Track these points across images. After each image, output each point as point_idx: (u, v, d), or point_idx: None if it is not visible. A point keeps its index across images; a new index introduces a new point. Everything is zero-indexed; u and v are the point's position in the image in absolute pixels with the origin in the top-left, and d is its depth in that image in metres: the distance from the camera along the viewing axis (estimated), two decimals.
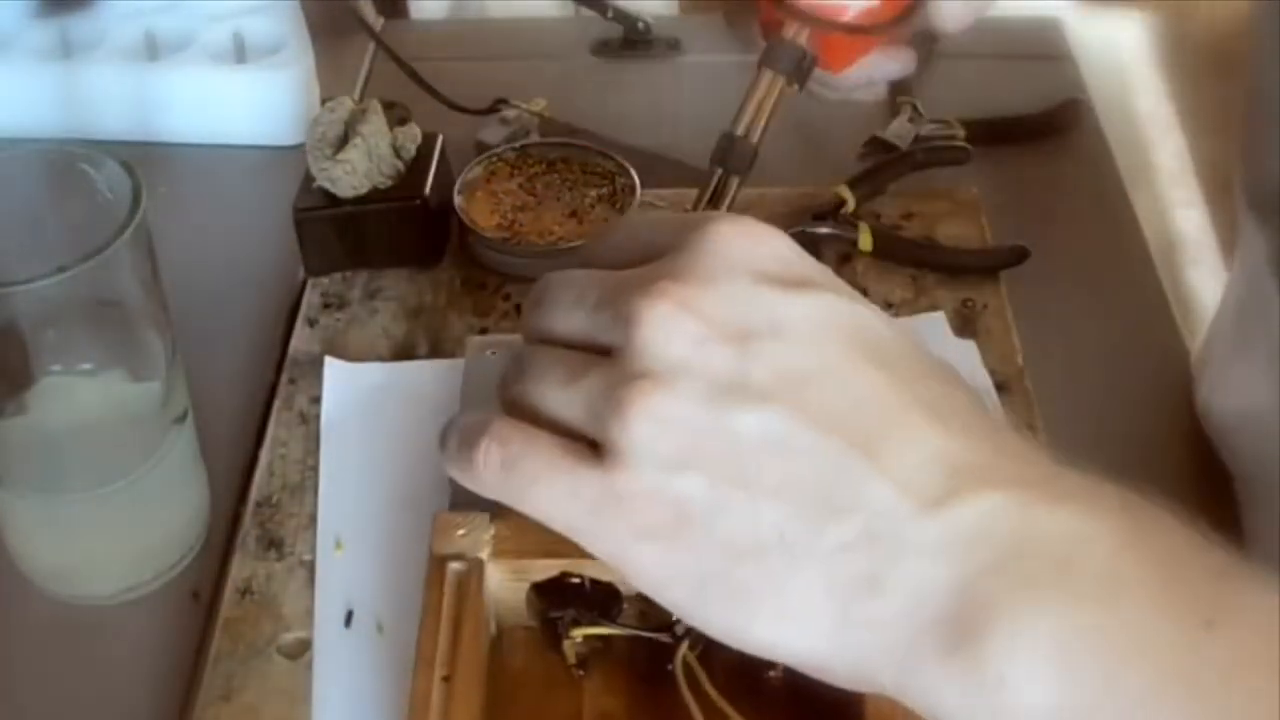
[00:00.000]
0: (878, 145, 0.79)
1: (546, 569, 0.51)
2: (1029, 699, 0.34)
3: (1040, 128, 0.81)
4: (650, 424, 0.36)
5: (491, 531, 0.51)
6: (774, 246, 0.39)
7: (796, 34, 0.56)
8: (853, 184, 0.73)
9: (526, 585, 0.51)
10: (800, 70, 0.57)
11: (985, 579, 0.34)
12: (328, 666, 0.54)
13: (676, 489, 0.36)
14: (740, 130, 0.57)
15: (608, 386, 0.37)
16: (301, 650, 0.54)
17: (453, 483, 0.54)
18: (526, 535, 0.51)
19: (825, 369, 0.37)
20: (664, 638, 0.50)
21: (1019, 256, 0.70)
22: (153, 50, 0.84)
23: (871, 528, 0.35)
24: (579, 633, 0.50)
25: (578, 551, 0.50)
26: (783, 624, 0.36)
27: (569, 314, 0.40)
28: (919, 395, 0.37)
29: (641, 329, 0.37)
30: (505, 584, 0.51)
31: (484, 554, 0.51)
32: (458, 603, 0.50)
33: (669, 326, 0.37)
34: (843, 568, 0.35)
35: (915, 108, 0.81)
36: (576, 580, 0.51)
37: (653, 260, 0.39)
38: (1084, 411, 0.64)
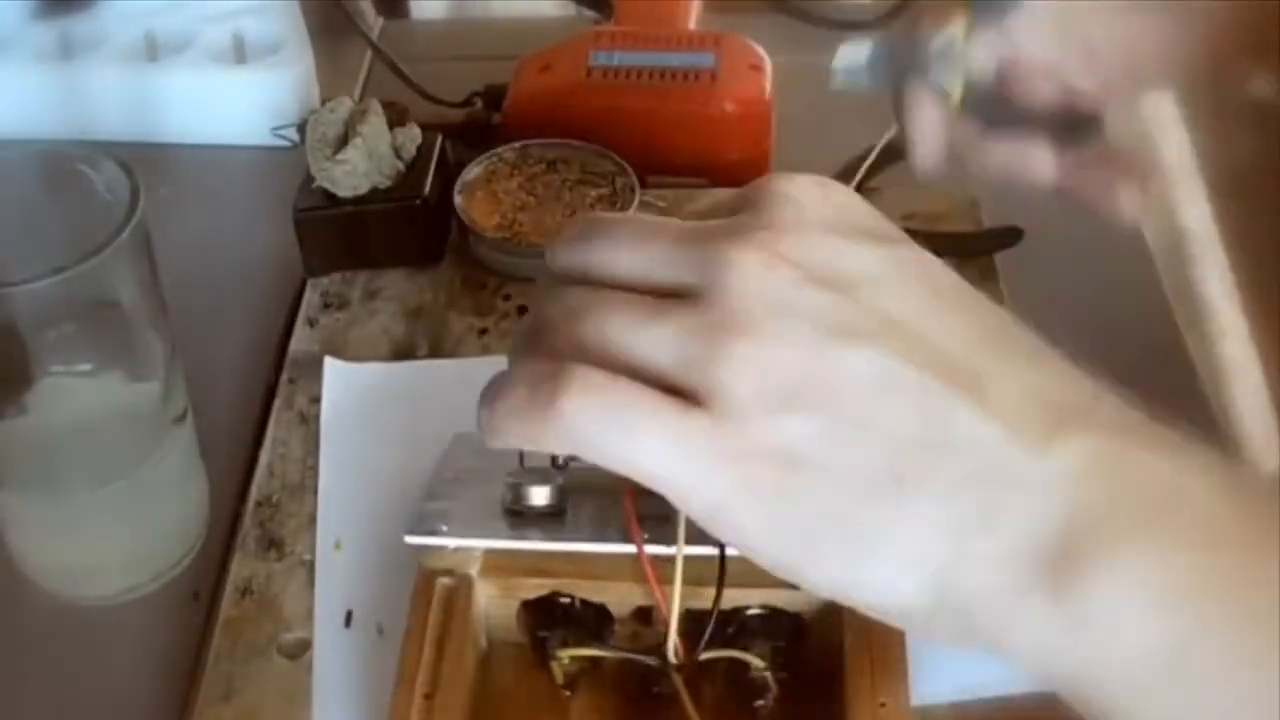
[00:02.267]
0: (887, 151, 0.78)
1: (537, 588, 0.51)
2: (1127, 637, 0.34)
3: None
4: (757, 368, 0.35)
5: (482, 548, 0.51)
6: (847, 200, 0.39)
7: None
8: (841, 176, 0.73)
9: (517, 602, 0.51)
10: None
11: (1092, 517, 0.35)
12: (328, 666, 0.54)
13: (788, 433, 0.35)
14: None
15: (701, 330, 0.35)
16: (301, 650, 0.54)
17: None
18: (518, 554, 0.51)
19: (919, 313, 0.36)
20: (653, 661, 0.49)
21: (1014, 236, 0.71)
22: (153, 50, 0.84)
23: (983, 465, 0.35)
24: (567, 653, 0.50)
25: (568, 571, 0.51)
26: (895, 567, 0.35)
27: (632, 252, 0.38)
28: (1007, 337, 0.37)
29: (735, 271, 0.36)
30: (496, 600, 0.51)
31: (474, 570, 0.51)
32: (444, 618, 0.49)
33: (764, 270, 0.36)
34: (957, 505, 0.35)
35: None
36: (566, 600, 0.50)
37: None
38: None
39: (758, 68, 0.77)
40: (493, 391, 0.37)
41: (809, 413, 0.35)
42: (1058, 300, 0.69)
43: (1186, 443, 0.37)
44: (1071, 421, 0.36)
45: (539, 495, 0.51)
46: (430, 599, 0.50)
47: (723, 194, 0.40)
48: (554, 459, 0.53)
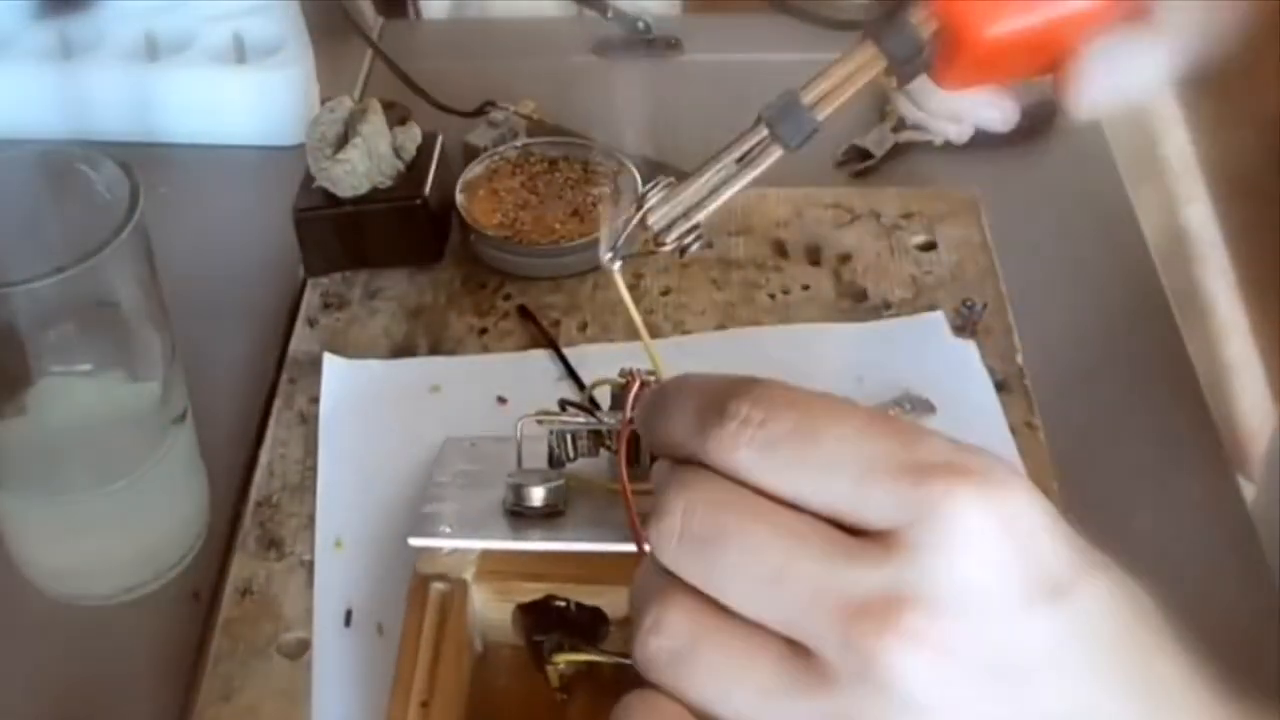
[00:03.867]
0: (854, 153, 0.79)
1: (532, 591, 0.51)
2: None
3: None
4: None
5: (478, 552, 0.51)
6: (1031, 536, 0.32)
7: (924, 22, 0.43)
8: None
9: (512, 606, 0.51)
10: (909, 63, 0.44)
11: None
12: (328, 666, 0.53)
13: None
14: (809, 98, 0.44)
15: None
16: (301, 650, 0.54)
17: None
18: (513, 557, 0.51)
19: (1071, 711, 0.33)
20: None
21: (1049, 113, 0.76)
22: (153, 50, 0.84)
23: None
24: (563, 657, 0.50)
25: (563, 575, 0.50)
26: None
27: (753, 585, 0.32)
28: (1160, 693, 0.34)
29: (886, 680, 0.31)
30: (491, 604, 0.51)
31: (468, 575, 0.51)
32: (439, 624, 0.49)
33: (924, 671, 0.31)
34: None
35: (901, 119, 0.80)
36: (562, 604, 0.50)
37: (857, 509, 0.32)
38: (1084, 412, 0.64)
39: None
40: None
41: None
42: (1059, 300, 0.70)
43: None
44: None
45: (539, 496, 0.51)
46: (425, 604, 0.50)
47: (884, 473, 0.33)
48: (551, 458, 0.53)
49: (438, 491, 0.54)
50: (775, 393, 0.34)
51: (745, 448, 0.33)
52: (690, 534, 0.33)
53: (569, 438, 0.53)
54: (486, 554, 0.51)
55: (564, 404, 0.55)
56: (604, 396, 0.55)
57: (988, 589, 0.32)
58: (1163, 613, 0.34)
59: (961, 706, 0.32)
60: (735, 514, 0.33)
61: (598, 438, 0.53)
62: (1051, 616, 0.32)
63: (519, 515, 0.51)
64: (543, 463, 0.53)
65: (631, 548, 0.48)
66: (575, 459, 0.53)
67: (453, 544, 0.51)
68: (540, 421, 0.53)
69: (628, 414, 0.52)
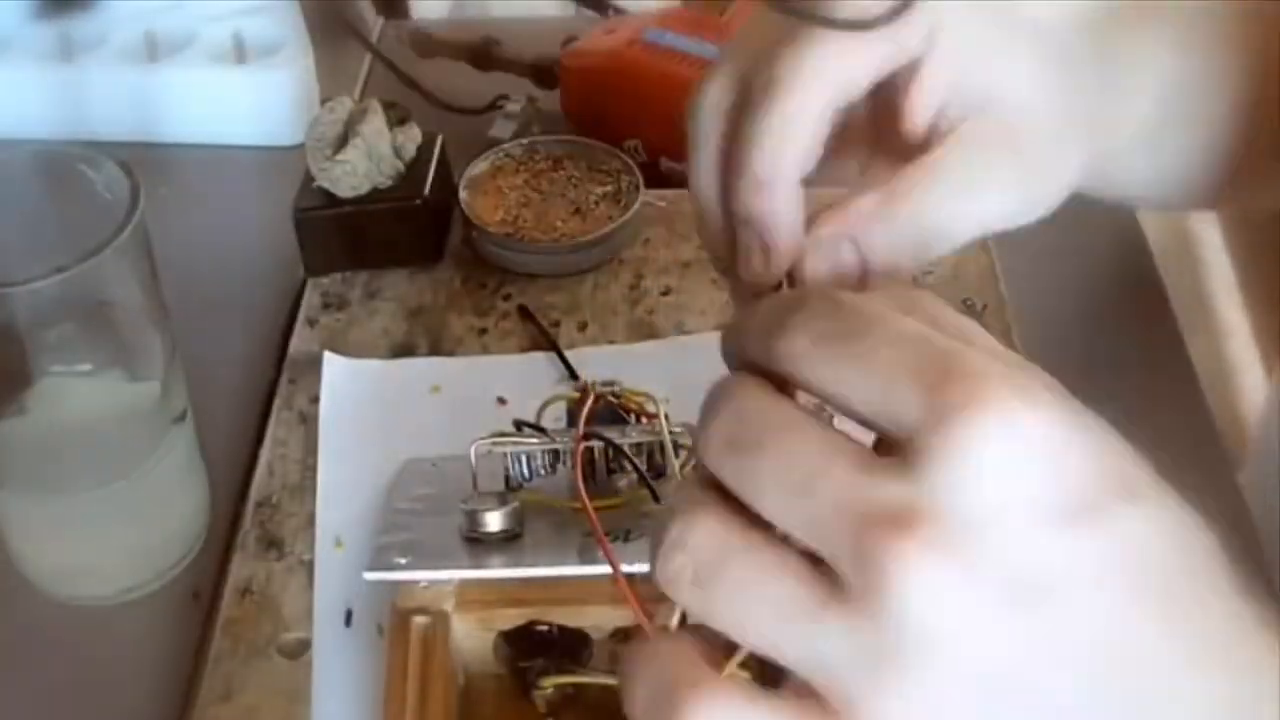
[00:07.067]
0: None
1: (514, 618, 0.50)
2: None
3: None
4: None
5: (456, 582, 0.50)
6: (1060, 455, 0.31)
7: None
8: None
9: (494, 634, 0.50)
10: None
11: None
12: (328, 666, 0.54)
13: None
14: None
15: (863, 654, 0.31)
16: (301, 650, 0.54)
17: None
18: (492, 585, 0.50)
19: (1107, 638, 0.31)
20: None
21: None
22: (153, 50, 0.84)
23: None
24: (549, 682, 0.49)
25: (544, 599, 0.50)
26: None
27: (779, 494, 0.32)
28: (1202, 645, 0.33)
29: (897, 594, 0.30)
30: (472, 634, 0.50)
31: (449, 606, 0.50)
32: (423, 660, 0.49)
33: (941, 593, 0.30)
34: None
35: None
36: (545, 628, 0.50)
37: (886, 409, 0.32)
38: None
39: None
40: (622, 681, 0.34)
41: None
42: (1059, 300, 0.70)
43: None
44: None
45: (495, 520, 0.50)
46: (407, 640, 0.49)
47: (908, 374, 0.32)
48: (507, 481, 0.52)
49: (396, 519, 0.53)
50: (843, 296, 0.34)
51: (802, 336, 0.33)
52: (736, 439, 0.33)
53: (524, 458, 0.52)
54: (465, 583, 0.50)
55: (519, 424, 0.55)
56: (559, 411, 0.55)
57: (1006, 504, 0.30)
58: (1230, 554, 0.33)
59: (975, 629, 0.30)
60: (778, 423, 0.33)
61: (555, 455, 0.52)
62: (1078, 538, 0.31)
63: (477, 541, 0.51)
64: (500, 483, 0.52)
65: (589, 570, 0.48)
66: (531, 479, 0.53)
67: (408, 576, 0.50)
68: (493, 447, 0.52)
69: (581, 429, 0.52)
